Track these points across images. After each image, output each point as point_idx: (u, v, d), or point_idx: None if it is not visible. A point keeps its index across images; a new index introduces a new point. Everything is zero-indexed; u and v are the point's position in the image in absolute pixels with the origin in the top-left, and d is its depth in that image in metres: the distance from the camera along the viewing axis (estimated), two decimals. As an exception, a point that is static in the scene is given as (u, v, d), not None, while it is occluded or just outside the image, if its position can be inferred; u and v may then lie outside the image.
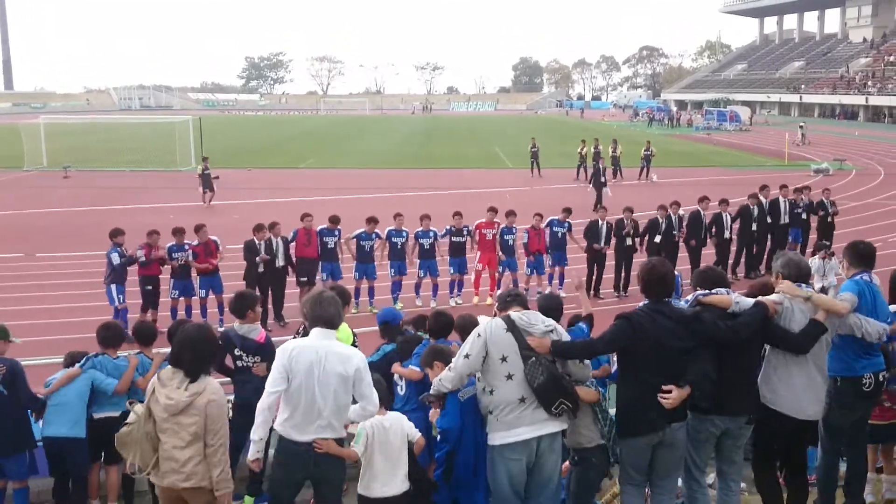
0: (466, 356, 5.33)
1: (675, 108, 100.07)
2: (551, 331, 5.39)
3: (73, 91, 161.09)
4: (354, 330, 7.66)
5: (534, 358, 5.19)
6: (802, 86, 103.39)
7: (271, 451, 5.73)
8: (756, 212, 17.95)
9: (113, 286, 13.61)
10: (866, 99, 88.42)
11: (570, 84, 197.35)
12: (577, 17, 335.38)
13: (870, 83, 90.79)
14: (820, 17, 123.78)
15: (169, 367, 5.29)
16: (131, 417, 5.35)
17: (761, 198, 18.28)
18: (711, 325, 5.34)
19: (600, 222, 16.39)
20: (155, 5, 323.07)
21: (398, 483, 5.54)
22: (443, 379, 5.51)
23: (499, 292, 5.89)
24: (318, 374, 5.25)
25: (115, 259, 13.62)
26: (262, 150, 53.83)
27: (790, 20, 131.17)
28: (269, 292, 14.43)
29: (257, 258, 14.22)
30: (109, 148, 50.86)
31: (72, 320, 13.84)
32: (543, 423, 5.25)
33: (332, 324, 5.42)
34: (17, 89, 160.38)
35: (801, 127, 60.47)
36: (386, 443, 5.53)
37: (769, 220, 18.08)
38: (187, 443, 5.16)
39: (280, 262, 14.64)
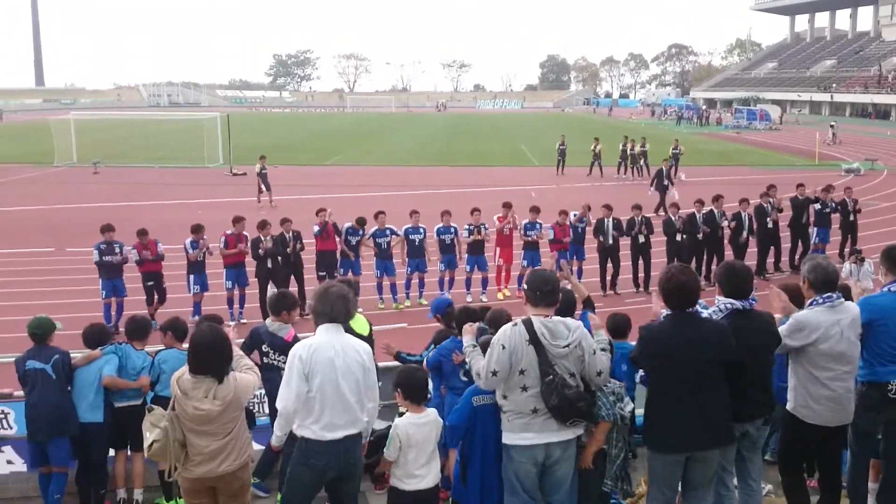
0: (494, 373, 5.14)
1: (704, 107, 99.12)
2: (577, 346, 5.14)
3: (103, 87, 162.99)
4: (376, 327, 7.67)
5: (551, 377, 5.03)
6: (834, 85, 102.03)
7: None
8: (770, 210, 17.84)
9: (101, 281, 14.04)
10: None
11: (598, 82, 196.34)
12: (605, 14, 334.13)
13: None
14: (852, 14, 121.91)
15: (188, 375, 5.21)
16: (156, 433, 5.22)
17: (771, 198, 18.15)
18: (729, 340, 5.17)
19: (606, 220, 16.50)
20: (184, 3, 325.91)
21: (431, 477, 5.53)
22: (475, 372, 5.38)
23: (531, 276, 5.50)
24: (340, 366, 5.22)
25: (96, 257, 13.97)
26: (288, 147, 54.08)
27: (822, 18, 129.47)
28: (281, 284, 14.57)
29: (259, 250, 14.55)
30: (138, 144, 51.39)
31: (100, 314, 13.96)
32: (555, 432, 5.15)
33: (337, 320, 5.36)
34: (48, 85, 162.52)
35: (831, 126, 59.65)
36: (420, 440, 5.50)
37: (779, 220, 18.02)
38: (224, 436, 5.20)
39: (292, 258, 15.03)
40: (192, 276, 14.52)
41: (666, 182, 26.69)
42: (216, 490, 5.33)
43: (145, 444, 5.27)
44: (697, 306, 5.31)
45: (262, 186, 27.96)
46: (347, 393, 5.24)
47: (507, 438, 5.23)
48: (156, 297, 14.43)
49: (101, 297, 14.10)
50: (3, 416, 8.35)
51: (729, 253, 17.15)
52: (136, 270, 14.41)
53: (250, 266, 14.91)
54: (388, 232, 15.68)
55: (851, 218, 18.83)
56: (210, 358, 5.16)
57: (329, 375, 5.19)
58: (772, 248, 18.04)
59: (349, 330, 6.59)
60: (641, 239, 16.46)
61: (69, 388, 7.11)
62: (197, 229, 14.56)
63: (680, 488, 5.52)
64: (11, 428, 8.14)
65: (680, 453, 5.23)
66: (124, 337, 7.66)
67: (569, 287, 6.89)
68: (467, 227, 16.03)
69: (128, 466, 7.43)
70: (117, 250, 14.09)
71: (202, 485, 5.28)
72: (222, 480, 5.24)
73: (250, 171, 31.72)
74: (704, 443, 5.17)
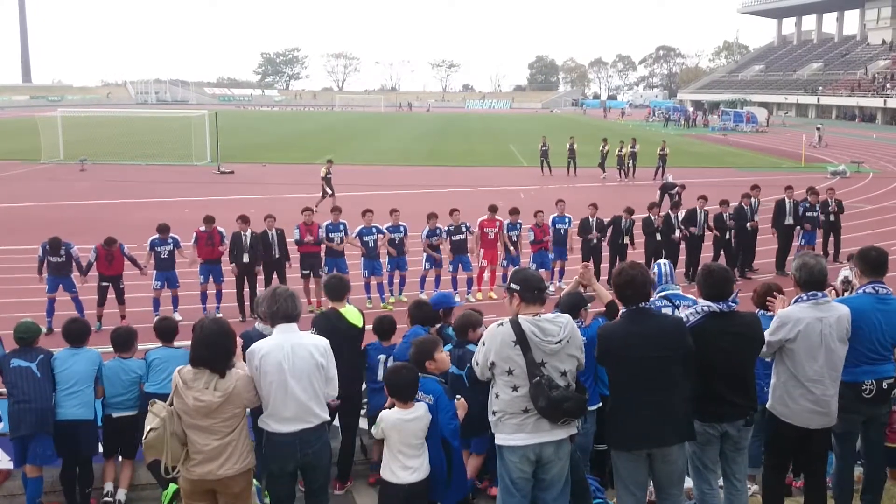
0: (476, 363, 5.30)
1: (691, 109, 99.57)
2: (567, 341, 5.12)
3: (90, 84, 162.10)
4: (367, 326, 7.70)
5: (538, 378, 5.00)
6: (820, 87, 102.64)
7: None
8: (749, 212, 18.19)
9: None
10: (885, 101, 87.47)
11: (586, 83, 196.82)
12: (593, 15, 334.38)
13: (888, 85, 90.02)
14: (839, 18, 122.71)
15: (189, 366, 5.22)
16: (155, 422, 5.20)
17: (753, 198, 18.50)
18: (685, 335, 5.21)
19: (590, 218, 16.89)
20: (172, 0, 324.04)
21: (421, 471, 5.55)
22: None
23: (524, 275, 5.46)
24: (289, 368, 5.34)
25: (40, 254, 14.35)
26: (277, 145, 53.99)
27: (808, 21, 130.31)
28: (251, 282, 15.09)
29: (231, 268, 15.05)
30: (126, 141, 51.10)
31: (90, 311, 13.93)
32: (547, 432, 5.14)
33: (291, 318, 5.51)
34: (35, 82, 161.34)
35: (818, 129, 60.03)
36: (408, 434, 5.52)
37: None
38: (223, 436, 5.19)
39: (277, 254, 15.25)
40: (155, 273, 14.79)
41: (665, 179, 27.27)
42: (216, 493, 5.33)
43: (144, 434, 5.24)
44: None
45: (326, 190, 27.07)
46: (298, 392, 5.36)
47: (500, 439, 5.22)
48: (112, 297, 14.52)
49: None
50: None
51: (707, 255, 17.41)
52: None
53: (227, 264, 15.22)
54: (374, 230, 15.72)
55: (832, 219, 19.04)
56: (213, 350, 5.18)
57: (278, 377, 5.34)
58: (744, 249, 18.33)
59: (344, 320, 7.00)
60: (623, 240, 16.97)
61: (53, 387, 7.12)
62: (163, 229, 14.83)
63: (652, 487, 5.55)
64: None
65: (639, 449, 5.24)
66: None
67: (591, 293, 6.89)
68: (447, 227, 16.10)
69: (116, 467, 7.47)
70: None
71: (202, 487, 5.27)
72: (222, 483, 5.24)
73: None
74: (663, 438, 5.17)
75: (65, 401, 7.08)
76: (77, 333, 7.36)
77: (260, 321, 7.34)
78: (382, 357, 7.34)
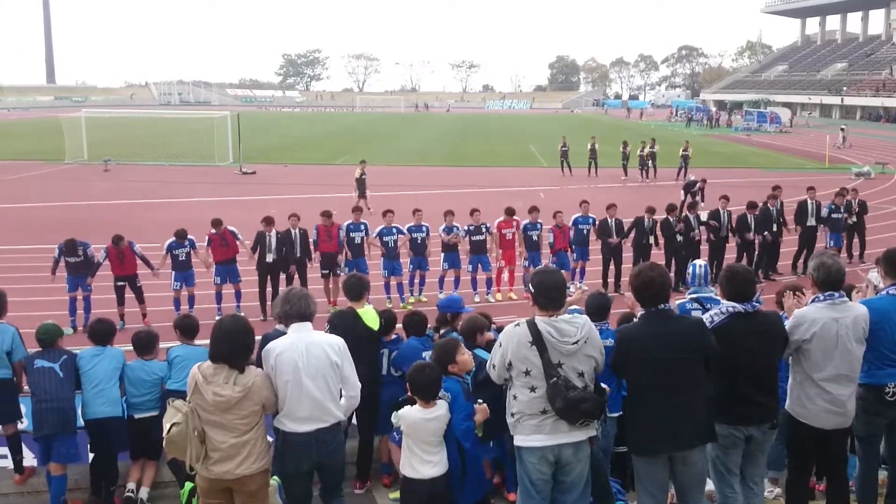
0: (493, 366, 5.26)
1: (714, 109, 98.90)
2: (585, 342, 5.06)
3: (114, 85, 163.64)
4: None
5: (555, 379, 4.96)
6: (844, 88, 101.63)
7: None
8: (774, 213, 17.97)
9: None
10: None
11: (608, 83, 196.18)
12: (615, 15, 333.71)
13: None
14: (864, 17, 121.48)
15: (209, 362, 5.26)
16: (177, 417, 5.19)
17: (777, 199, 18.30)
18: (705, 336, 5.17)
19: (609, 220, 16.74)
20: (195, 2, 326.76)
21: (441, 465, 5.58)
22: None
23: (537, 278, 5.40)
24: (304, 366, 5.38)
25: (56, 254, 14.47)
26: (298, 146, 54.22)
27: (833, 21, 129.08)
28: (274, 282, 15.19)
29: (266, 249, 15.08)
30: (149, 142, 51.56)
31: (110, 310, 14.04)
32: (566, 433, 5.09)
33: (304, 317, 5.57)
34: (59, 83, 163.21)
35: (842, 129, 59.48)
36: (427, 433, 5.54)
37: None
38: (240, 434, 5.20)
39: (298, 253, 15.34)
40: (174, 274, 14.89)
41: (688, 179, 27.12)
42: (232, 491, 5.34)
43: (164, 429, 5.24)
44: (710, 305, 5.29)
45: (361, 191, 26.90)
46: (313, 390, 5.40)
47: (519, 440, 5.20)
48: (132, 296, 14.68)
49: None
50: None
51: (732, 256, 17.28)
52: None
53: (243, 265, 15.37)
54: (394, 230, 15.75)
55: (855, 220, 18.88)
56: (232, 346, 5.21)
57: (293, 376, 5.38)
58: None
59: (360, 320, 7.00)
60: (647, 240, 16.77)
61: (76, 387, 7.24)
62: (181, 235, 14.93)
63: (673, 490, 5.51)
64: (23, 423, 8.23)
65: (660, 453, 5.20)
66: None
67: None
68: (468, 227, 16.10)
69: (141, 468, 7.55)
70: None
71: (219, 485, 5.30)
72: (239, 482, 5.26)
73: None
74: (683, 442, 5.13)
75: (93, 399, 7.17)
76: (103, 333, 7.45)
77: (279, 322, 7.39)
78: (385, 351, 7.38)
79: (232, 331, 5.25)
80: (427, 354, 7.06)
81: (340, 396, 5.62)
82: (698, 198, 25.21)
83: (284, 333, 7.07)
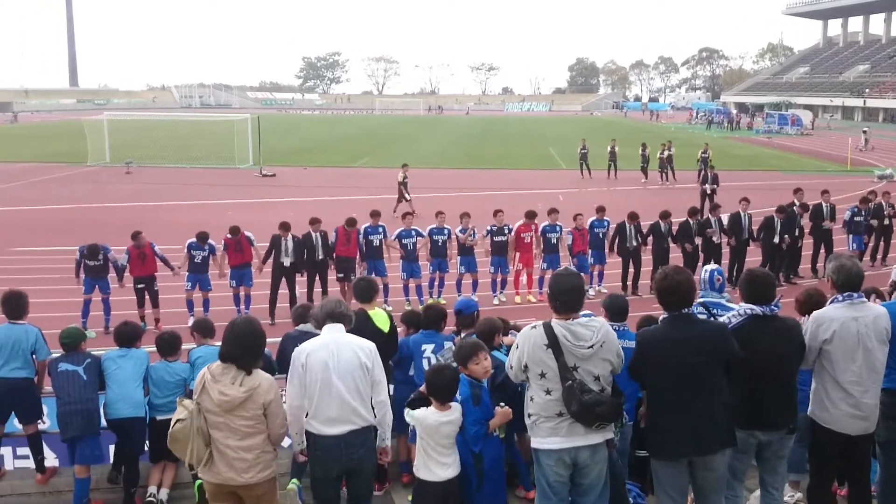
0: (510, 367, 5.31)
1: (735, 111, 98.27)
2: (601, 346, 5.05)
3: (135, 88, 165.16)
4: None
5: (570, 382, 4.97)
6: (867, 90, 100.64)
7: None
8: (796, 216, 17.84)
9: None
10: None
11: (627, 85, 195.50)
12: (634, 17, 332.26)
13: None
14: (886, 19, 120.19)
15: (219, 362, 5.30)
16: (182, 413, 5.29)
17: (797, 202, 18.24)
18: (728, 341, 5.14)
19: (627, 225, 16.65)
20: (216, 5, 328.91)
21: (455, 467, 5.60)
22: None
23: (553, 282, 5.36)
24: (334, 366, 5.44)
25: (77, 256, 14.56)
26: (318, 148, 54.42)
27: (855, 22, 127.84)
28: (290, 285, 15.32)
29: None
30: (170, 145, 51.97)
31: (126, 312, 14.16)
32: (582, 436, 5.10)
33: (338, 318, 5.66)
34: (82, 86, 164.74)
35: (864, 132, 58.90)
36: (441, 435, 5.55)
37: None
38: (243, 437, 5.21)
39: (320, 255, 15.36)
40: (188, 275, 15.00)
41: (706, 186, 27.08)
42: (240, 496, 5.37)
43: (172, 424, 5.31)
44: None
45: (404, 194, 26.47)
46: (344, 391, 5.44)
47: (536, 443, 5.22)
48: (147, 299, 14.77)
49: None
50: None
51: (754, 259, 17.15)
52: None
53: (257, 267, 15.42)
54: (413, 233, 15.80)
55: (887, 222, 18.75)
56: (242, 348, 5.25)
57: (323, 375, 5.44)
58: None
59: (370, 322, 7.08)
60: (665, 244, 16.74)
61: (100, 389, 7.33)
62: (202, 237, 15.03)
63: (692, 494, 5.49)
64: (45, 423, 8.32)
65: (681, 458, 5.18)
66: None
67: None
68: (490, 227, 16.16)
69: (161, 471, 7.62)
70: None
71: (225, 489, 5.34)
72: (245, 487, 5.29)
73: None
74: (704, 447, 5.12)
75: (117, 400, 7.25)
76: (128, 336, 7.53)
77: (305, 323, 7.53)
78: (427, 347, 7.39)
79: (243, 332, 5.30)
80: (428, 348, 7.13)
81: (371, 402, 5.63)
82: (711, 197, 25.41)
83: (306, 334, 7.16)
